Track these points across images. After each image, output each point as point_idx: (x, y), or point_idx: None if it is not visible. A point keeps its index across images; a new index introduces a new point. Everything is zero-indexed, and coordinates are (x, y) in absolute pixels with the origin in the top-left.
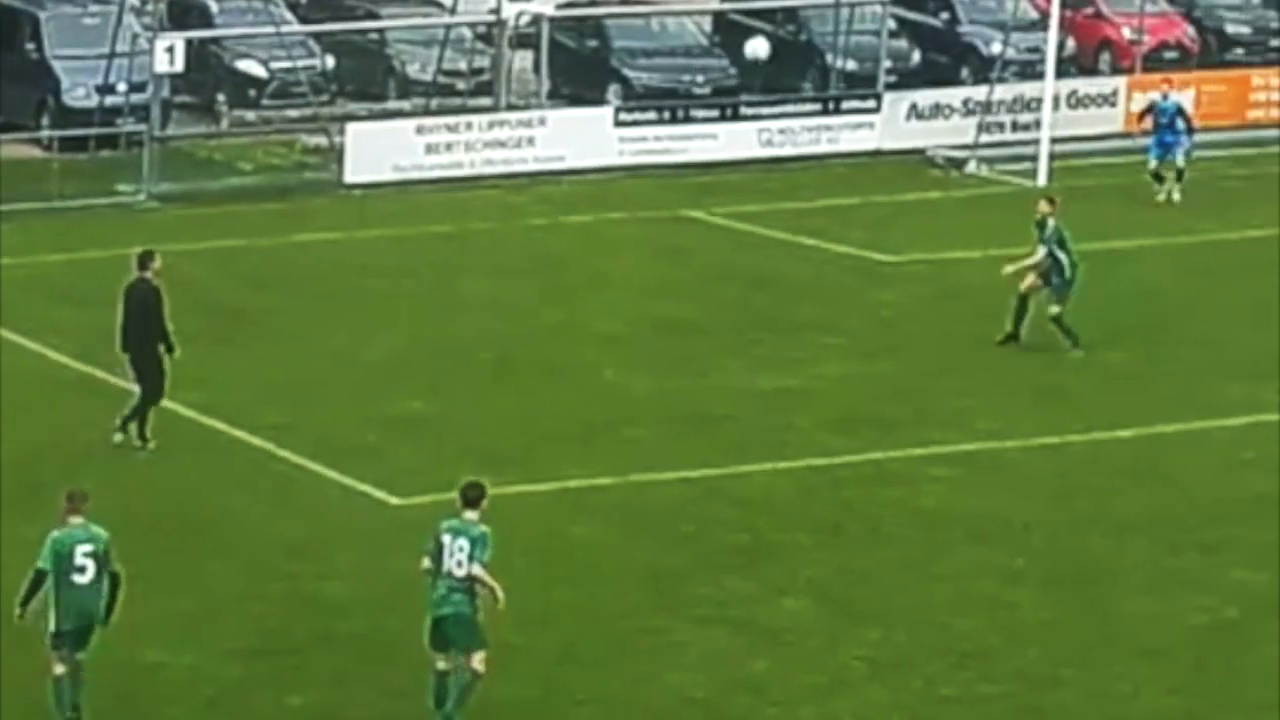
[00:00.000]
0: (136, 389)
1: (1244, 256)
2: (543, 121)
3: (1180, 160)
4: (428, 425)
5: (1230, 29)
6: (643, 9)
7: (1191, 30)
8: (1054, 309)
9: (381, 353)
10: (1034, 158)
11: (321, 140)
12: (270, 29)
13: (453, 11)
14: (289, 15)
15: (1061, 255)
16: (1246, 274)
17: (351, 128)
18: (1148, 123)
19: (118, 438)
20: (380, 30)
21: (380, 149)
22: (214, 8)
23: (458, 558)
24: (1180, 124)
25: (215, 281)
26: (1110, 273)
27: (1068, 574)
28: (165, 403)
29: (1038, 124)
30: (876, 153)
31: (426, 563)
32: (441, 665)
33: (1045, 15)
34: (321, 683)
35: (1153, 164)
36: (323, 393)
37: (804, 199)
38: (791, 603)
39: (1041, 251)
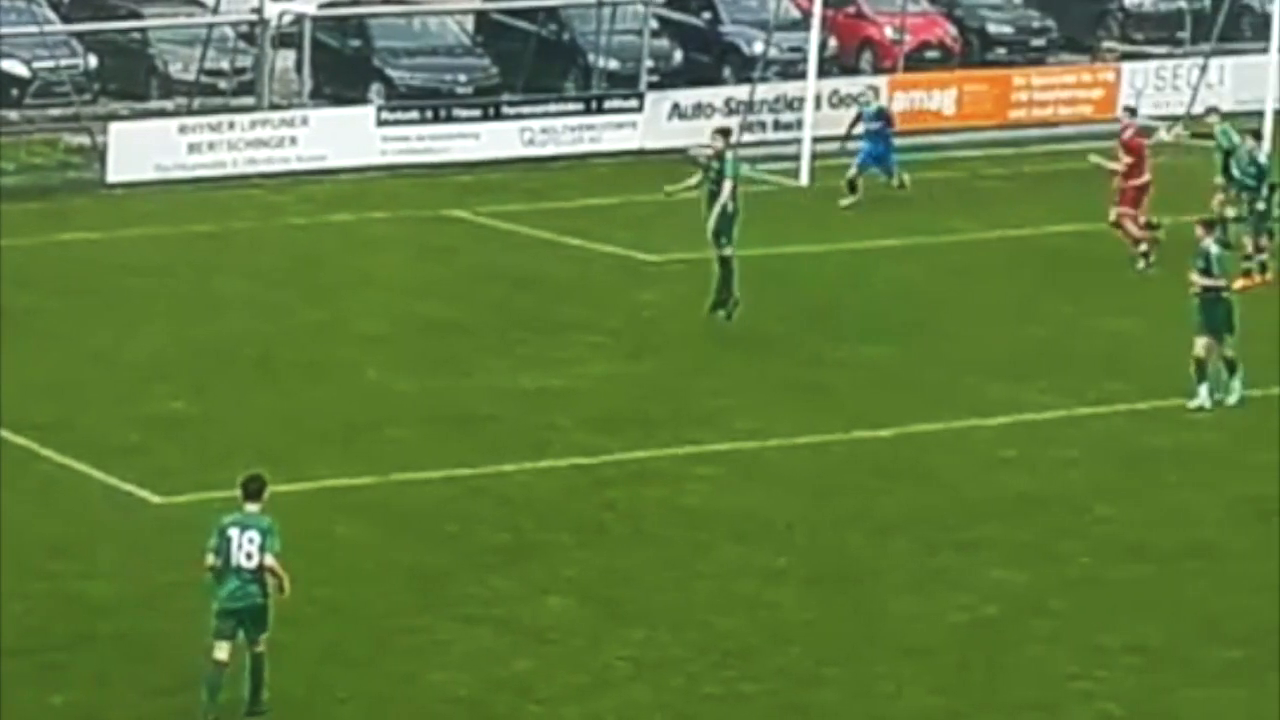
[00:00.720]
0: None
1: (1004, 256)
2: (305, 121)
3: (894, 167)
4: (190, 424)
5: (992, 29)
6: (404, 9)
7: (953, 30)
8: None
9: (144, 352)
10: (796, 157)
11: (84, 140)
12: (33, 28)
13: (215, 11)
14: (51, 14)
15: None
16: (1007, 273)
17: (114, 127)
18: (859, 128)
19: None
20: (143, 30)
21: (143, 148)
22: None
23: (247, 550)
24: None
25: None
26: (871, 272)
27: (830, 573)
28: None
29: (800, 123)
30: (639, 152)
31: (211, 559)
32: (221, 656)
33: (807, 15)
34: (84, 682)
35: (853, 171)
36: (85, 392)
37: (567, 198)
38: (555, 602)
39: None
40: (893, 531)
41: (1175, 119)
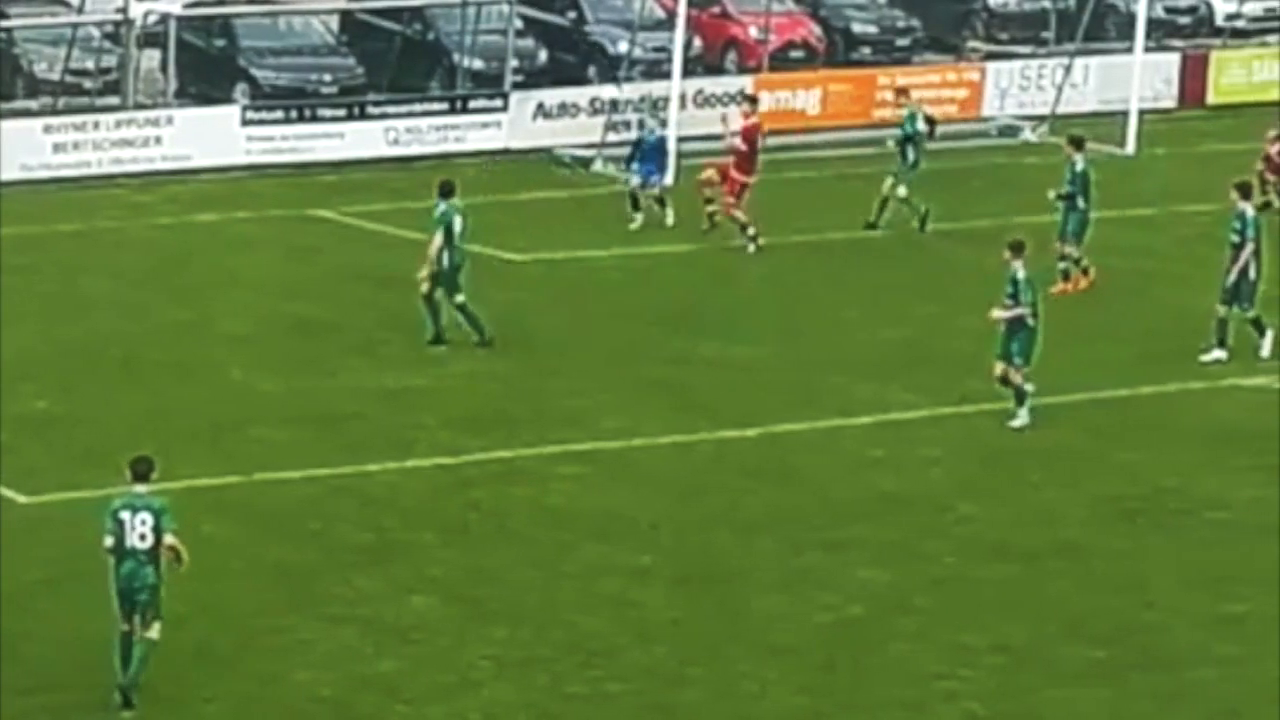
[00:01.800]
0: None
1: (869, 256)
2: (170, 120)
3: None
4: (55, 424)
5: (857, 28)
6: (269, 8)
7: (818, 29)
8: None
9: (9, 351)
10: None
11: None
12: None
13: (80, 10)
14: None
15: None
16: (871, 273)
17: None
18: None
19: None
20: (8, 29)
21: (7, 148)
22: None
23: (140, 531)
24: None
25: None
26: (737, 272)
27: (695, 572)
28: None
29: (664, 123)
30: (504, 152)
31: (109, 541)
32: (126, 626)
33: (672, 14)
34: None
35: (635, 181)
36: None
37: (432, 198)
38: (419, 601)
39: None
40: (758, 531)
41: (1040, 119)
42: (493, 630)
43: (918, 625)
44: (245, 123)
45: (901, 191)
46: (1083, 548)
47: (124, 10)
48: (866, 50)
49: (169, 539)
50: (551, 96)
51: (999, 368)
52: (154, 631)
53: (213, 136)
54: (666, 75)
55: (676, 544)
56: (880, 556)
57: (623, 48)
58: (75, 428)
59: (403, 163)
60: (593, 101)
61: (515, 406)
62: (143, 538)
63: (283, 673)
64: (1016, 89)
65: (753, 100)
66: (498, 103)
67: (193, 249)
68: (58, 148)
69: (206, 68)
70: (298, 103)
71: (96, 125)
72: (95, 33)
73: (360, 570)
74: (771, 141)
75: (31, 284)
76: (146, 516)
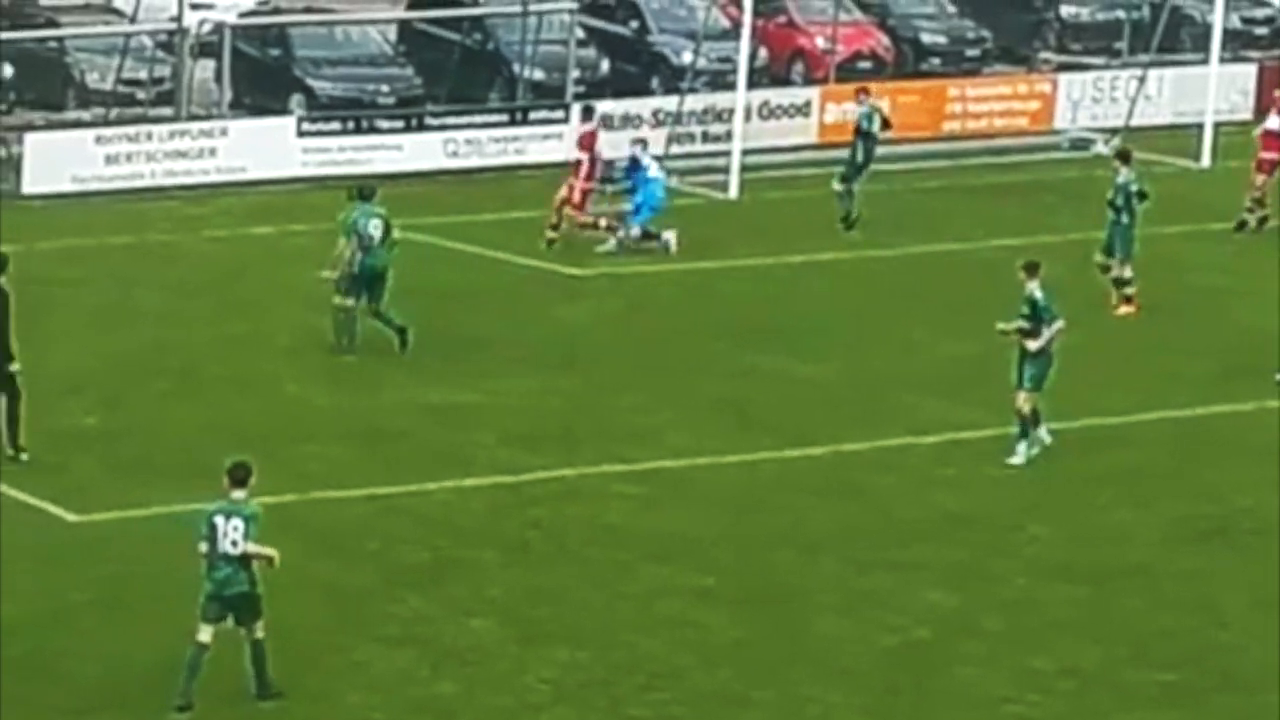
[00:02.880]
0: None
1: (938, 270)
2: (224, 132)
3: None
4: (107, 439)
5: (926, 39)
6: (326, 18)
7: (886, 40)
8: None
9: (60, 366)
10: (726, 169)
11: None
12: None
13: (133, 20)
14: None
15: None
16: (940, 288)
17: (30, 138)
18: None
19: (24, 456)
20: (60, 39)
21: (59, 159)
22: None
23: (232, 537)
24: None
25: None
26: (803, 287)
27: (758, 593)
28: None
29: (729, 135)
30: (565, 164)
31: (202, 546)
32: (204, 638)
33: (737, 24)
34: None
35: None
36: None
37: (491, 211)
38: (477, 623)
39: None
40: (823, 551)
41: (1113, 132)
42: (552, 652)
43: (985, 648)
44: (301, 134)
45: (837, 186)
46: (1154, 569)
47: (178, 19)
48: (936, 61)
49: (250, 548)
50: (614, 107)
51: (1021, 398)
52: (259, 631)
53: (268, 148)
54: (731, 87)
55: (739, 564)
56: (947, 578)
57: (686, 58)
58: (125, 444)
59: (462, 175)
60: (656, 113)
61: (576, 423)
62: (234, 543)
63: (335, 693)
64: (1089, 101)
65: (589, 110)
66: (559, 114)
67: (247, 262)
68: (110, 159)
69: (262, 78)
70: (355, 114)
71: (149, 136)
72: (148, 42)
73: (417, 590)
74: (837, 154)
75: (82, 297)
76: (239, 523)
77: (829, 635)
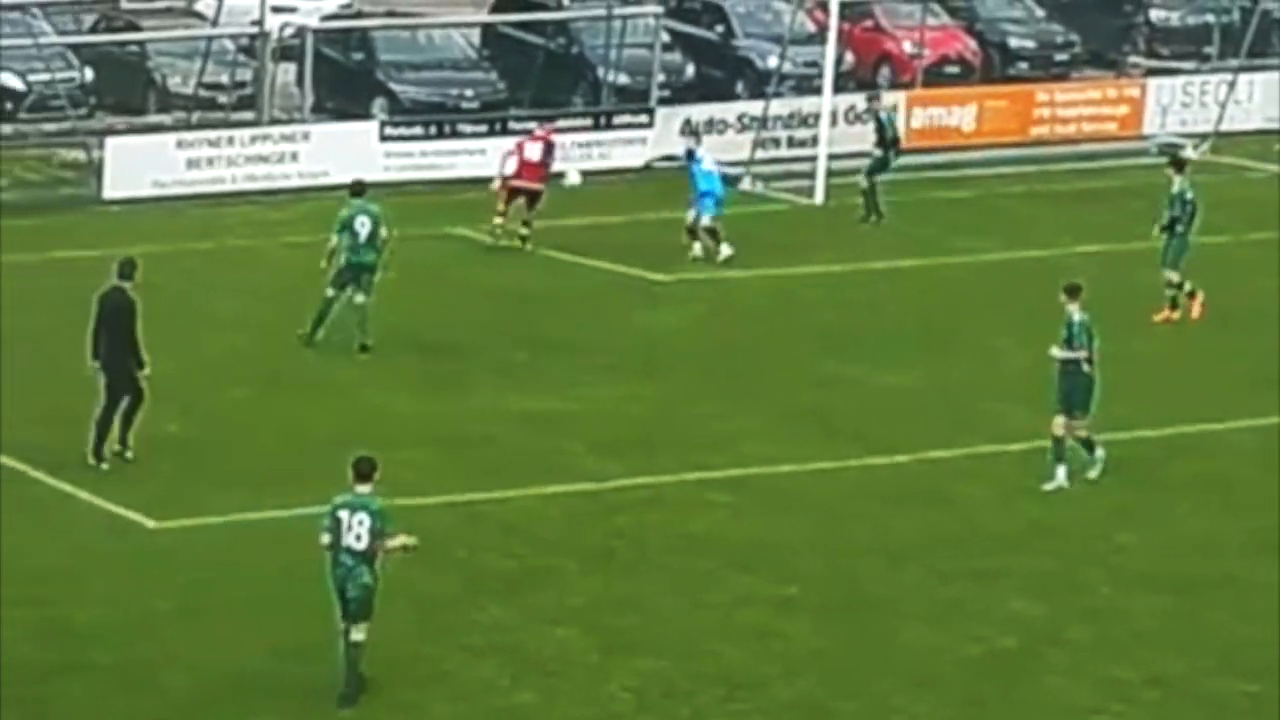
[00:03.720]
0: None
1: (1024, 277)
2: (306, 136)
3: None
4: (187, 446)
5: (1014, 43)
6: (409, 21)
7: (973, 44)
8: None
9: None
10: (811, 175)
11: (80, 155)
12: (28, 40)
13: (215, 23)
14: (47, 26)
15: None
16: (1026, 295)
17: (111, 142)
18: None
19: (129, 454)
20: (141, 42)
21: (140, 163)
22: None
23: (357, 531)
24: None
25: None
26: (887, 293)
27: (841, 602)
28: None
29: (815, 140)
30: (649, 168)
31: (326, 539)
32: (345, 626)
33: (823, 28)
34: (74, 713)
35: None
36: (79, 413)
37: (574, 215)
38: (560, 631)
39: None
40: (907, 560)
41: (1202, 137)
42: (634, 661)
43: (1071, 658)
44: (384, 138)
45: (863, 182)
46: (1240, 578)
47: (259, 23)
48: (1024, 66)
49: (390, 543)
50: (699, 112)
51: (1059, 423)
52: (360, 633)
53: (350, 152)
54: (816, 91)
55: (822, 573)
56: (1032, 587)
57: (772, 63)
58: (207, 450)
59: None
60: (741, 117)
61: (659, 431)
62: (358, 538)
63: (421, 703)
64: (1178, 106)
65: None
66: (643, 118)
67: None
68: (191, 163)
69: (344, 82)
70: (438, 118)
71: (231, 141)
72: (230, 46)
73: (500, 599)
74: (925, 159)
75: (162, 304)
76: (364, 517)
77: (913, 645)
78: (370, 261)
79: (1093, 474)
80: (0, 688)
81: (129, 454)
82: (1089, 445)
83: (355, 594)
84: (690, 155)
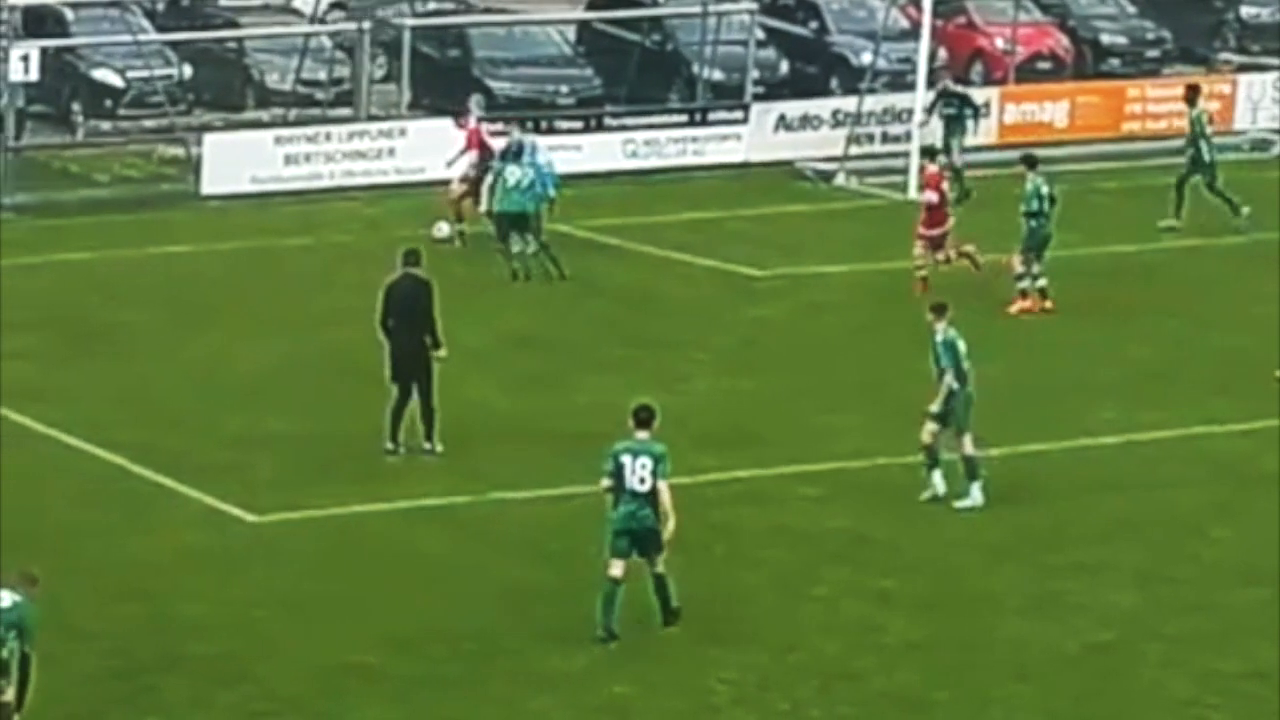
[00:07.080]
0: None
1: (1114, 271)
2: (404, 132)
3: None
4: (287, 441)
5: (1105, 39)
6: (505, 18)
7: (1066, 41)
8: None
9: (240, 368)
10: (904, 170)
11: (179, 151)
12: (127, 37)
13: (313, 20)
14: (146, 24)
15: None
16: (1116, 289)
17: (209, 138)
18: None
19: (439, 447)
20: (239, 39)
21: (238, 160)
22: (70, 16)
23: (640, 474)
24: None
25: (71, 294)
26: (980, 286)
27: (938, 596)
28: (17, 418)
29: (908, 136)
30: (744, 165)
31: (606, 482)
32: (615, 573)
33: (916, 25)
34: (178, 705)
35: None
36: (180, 408)
37: (670, 212)
38: (655, 623)
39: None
40: (1003, 554)
41: None
42: (731, 654)
43: (1168, 651)
44: None
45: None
46: None
47: (357, 20)
48: (1115, 62)
49: (662, 485)
50: (793, 108)
51: (927, 431)
52: (660, 565)
53: (447, 148)
54: (910, 87)
55: (920, 566)
56: (1129, 580)
57: (866, 59)
58: (307, 444)
59: (641, 176)
60: (835, 113)
61: (757, 425)
62: (642, 481)
63: (515, 698)
64: (1269, 101)
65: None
66: (738, 114)
67: (427, 262)
68: (289, 159)
69: (440, 78)
70: (533, 114)
71: (328, 137)
72: (327, 43)
73: (596, 591)
74: (1017, 155)
75: (261, 299)
76: (646, 461)
77: (1010, 638)
78: (520, 209)
79: (963, 504)
80: (107, 680)
81: (439, 447)
82: (972, 472)
83: (643, 532)
84: (522, 148)
